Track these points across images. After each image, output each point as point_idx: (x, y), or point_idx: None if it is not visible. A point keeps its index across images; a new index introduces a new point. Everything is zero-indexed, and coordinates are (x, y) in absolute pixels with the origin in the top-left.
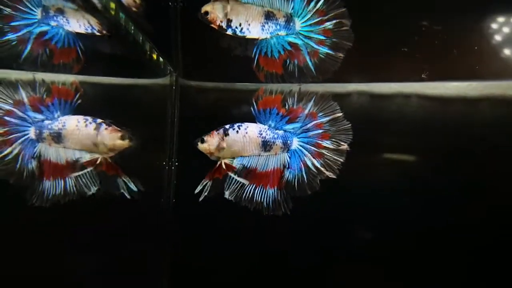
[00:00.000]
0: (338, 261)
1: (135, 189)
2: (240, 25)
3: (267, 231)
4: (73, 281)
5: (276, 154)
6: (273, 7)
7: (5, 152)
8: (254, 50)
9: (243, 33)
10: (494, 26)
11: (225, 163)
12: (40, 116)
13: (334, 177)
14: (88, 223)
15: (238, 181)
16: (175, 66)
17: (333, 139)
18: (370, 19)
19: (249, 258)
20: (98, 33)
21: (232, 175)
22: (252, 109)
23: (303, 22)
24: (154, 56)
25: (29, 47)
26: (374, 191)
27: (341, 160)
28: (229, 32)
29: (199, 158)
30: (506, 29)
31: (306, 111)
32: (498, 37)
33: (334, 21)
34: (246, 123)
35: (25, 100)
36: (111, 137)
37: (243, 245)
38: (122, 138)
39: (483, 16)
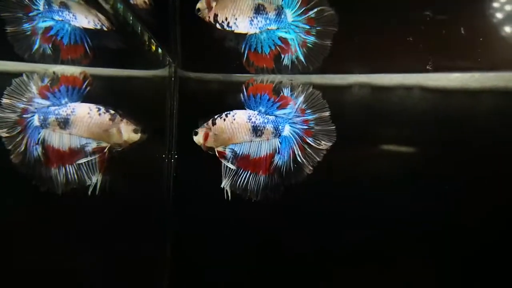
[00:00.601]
0: (339, 256)
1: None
2: (226, 19)
3: (268, 224)
4: (68, 274)
5: (268, 139)
6: (263, 0)
7: (12, 134)
8: (243, 46)
9: (231, 27)
10: (498, 16)
11: (217, 151)
12: (45, 102)
13: (309, 172)
14: (86, 213)
15: (232, 169)
16: (174, 57)
17: (315, 138)
18: (372, 9)
19: (250, 251)
20: (104, 28)
21: (223, 161)
22: (241, 95)
23: (294, 13)
24: (153, 47)
25: (38, 41)
26: (375, 183)
27: (318, 159)
28: (218, 26)
29: (198, 150)
30: (510, 20)
31: (296, 106)
32: (502, 28)
33: (316, 9)
34: (234, 110)
35: (33, 88)
36: (126, 129)
37: (244, 237)
38: (135, 131)
39: (487, 6)
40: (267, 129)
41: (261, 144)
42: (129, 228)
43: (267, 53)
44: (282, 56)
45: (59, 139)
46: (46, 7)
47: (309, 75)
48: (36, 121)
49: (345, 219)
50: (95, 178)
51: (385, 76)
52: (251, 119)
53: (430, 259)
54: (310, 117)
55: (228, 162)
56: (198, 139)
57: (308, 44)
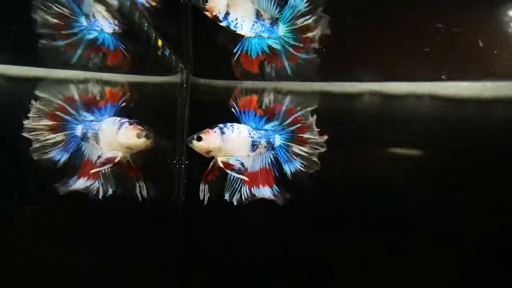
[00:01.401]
0: (347, 258)
1: (146, 194)
2: (236, 19)
3: (277, 228)
4: (79, 280)
5: (260, 153)
6: (260, 7)
7: (48, 137)
8: (238, 46)
9: (236, 28)
10: (510, 26)
11: (222, 162)
12: (90, 117)
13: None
14: (98, 221)
15: (237, 181)
16: (186, 63)
17: (312, 130)
18: (383, 18)
19: (258, 257)
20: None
21: (232, 173)
22: (234, 111)
23: (286, 28)
24: (167, 53)
25: (79, 52)
26: (385, 190)
27: (321, 150)
28: (223, 24)
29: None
30: None
31: (284, 108)
32: None
33: (316, 32)
34: (236, 124)
35: (77, 98)
36: (127, 135)
37: (253, 242)
38: (138, 136)
39: (498, 16)
40: (261, 144)
41: (254, 158)
42: (139, 233)
43: (254, 57)
44: (267, 64)
45: (94, 154)
46: (88, 20)
47: (320, 82)
48: (79, 132)
49: (356, 225)
50: (111, 191)
51: (396, 84)
52: (250, 134)
53: (440, 265)
54: (300, 113)
55: (236, 172)
56: (204, 145)
57: (299, 60)
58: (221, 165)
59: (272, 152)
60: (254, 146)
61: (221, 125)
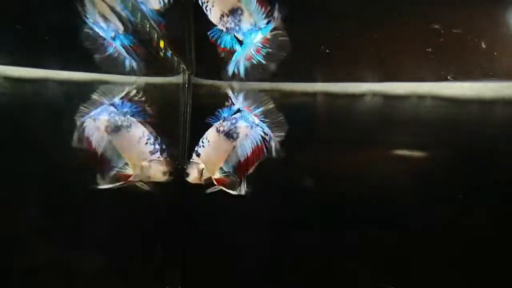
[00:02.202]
0: (348, 257)
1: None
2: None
3: (282, 228)
4: (81, 272)
5: (247, 134)
6: (247, 8)
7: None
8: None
9: (206, 11)
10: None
11: (216, 180)
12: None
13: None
14: (100, 217)
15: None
16: (188, 64)
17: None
18: (385, 18)
19: (262, 251)
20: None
21: (227, 189)
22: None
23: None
24: (169, 54)
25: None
26: (387, 191)
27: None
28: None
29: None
30: None
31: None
32: None
33: (274, 33)
34: (205, 133)
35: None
36: (156, 169)
37: (256, 240)
38: (164, 174)
39: (501, 16)
40: (240, 127)
41: (243, 143)
42: (140, 232)
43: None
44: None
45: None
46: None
47: (322, 83)
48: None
49: (357, 224)
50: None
51: (398, 85)
52: (219, 129)
53: (442, 265)
54: (257, 111)
55: (233, 188)
56: (193, 178)
57: (253, 60)
58: (217, 184)
59: (259, 127)
60: (232, 134)
61: (196, 148)
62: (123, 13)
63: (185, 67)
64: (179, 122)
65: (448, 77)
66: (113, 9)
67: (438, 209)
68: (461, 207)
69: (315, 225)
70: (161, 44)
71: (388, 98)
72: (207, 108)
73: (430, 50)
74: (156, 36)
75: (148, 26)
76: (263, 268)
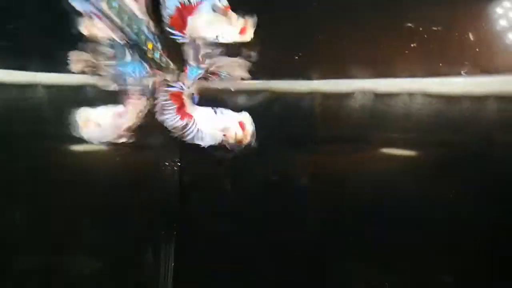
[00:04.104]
0: (342, 255)
1: None
2: None
3: (273, 225)
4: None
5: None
6: None
7: None
8: None
9: None
10: (503, 21)
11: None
12: None
13: None
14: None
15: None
16: (178, 64)
17: None
18: (373, 13)
19: (254, 248)
20: None
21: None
22: None
23: None
24: (158, 54)
25: None
26: (379, 189)
27: None
28: None
29: (203, 156)
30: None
31: None
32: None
33: None
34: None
35: None
36: None
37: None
38: None
39: (491, 11)
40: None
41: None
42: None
43: None
44: None
45: None
46: None
47: (312, 80)
48: None
49: (346, 221)
50: None
51: (388, 81)
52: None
53: (436, 261)
54: None
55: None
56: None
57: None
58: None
59: None
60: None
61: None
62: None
63: (174, 67)
64: None
65: (462, 73)
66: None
67: (431, 205)
68: (452, 202)
69: (308, 222)
70: (149, 45)
71: (378, 95)
72: None
73: (415, 45)
74: (143, 37)
75: (135, 28)
76: (259, 270)
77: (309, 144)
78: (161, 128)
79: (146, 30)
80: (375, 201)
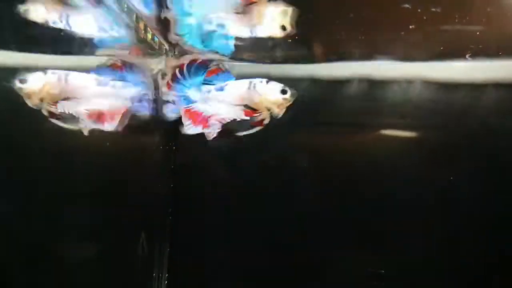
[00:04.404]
0: (338, 242)
1: None
2: None
3: (267, 213)
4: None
5: None
6: None
7: None
8: None
9: None
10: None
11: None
12: None
13: None
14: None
15: None
16: (172, 45)
17: None
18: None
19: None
20: None
21: None
22: None
23: None
24: (149, 35)
25: None
26: (377, 174)
27: None
28: None
29: (194, 144)
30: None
31: None
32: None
33: None
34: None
35: None
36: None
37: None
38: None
39: None
40: None
41: None
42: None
43: None
44: None
45: None
46: None
47: (308, 65)
48: None
49: (345, 205)
50: None
51: (386, 65)
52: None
53: (433, 247)
54: None
55: None
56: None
57: None
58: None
59: None
60: None
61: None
62: None
63: (167, 49)
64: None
65: (467, 56)
66: None
67: (429, 190)
68: (450, 188)
69: (305, 206)
70: (141, 25)
71: (375, 79)
72: None
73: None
74: (135, 16)
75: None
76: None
77: (305, 129)
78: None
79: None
80: (374, 185)
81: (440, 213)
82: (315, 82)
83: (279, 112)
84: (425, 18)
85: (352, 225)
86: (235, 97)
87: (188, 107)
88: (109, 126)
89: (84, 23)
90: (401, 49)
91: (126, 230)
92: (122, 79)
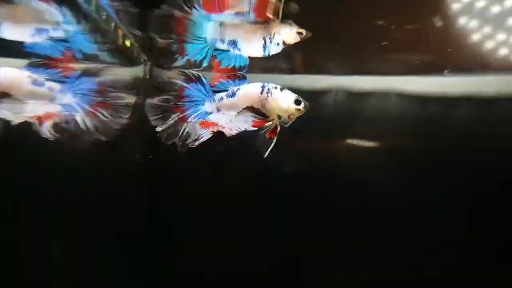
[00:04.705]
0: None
1: None
2: None
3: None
4: None
5: None
6: None
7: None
8: None
9: None
10: (476, 21)
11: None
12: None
13: None
14: None
15: None
16: (151, 54)
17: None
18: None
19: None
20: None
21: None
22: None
23: None
24: (128, 43)
25: None
26: (351, 186)
27: None
28: None
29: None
30: (486, 24)
31: None
32: (475, 32)
33: None
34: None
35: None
36: None
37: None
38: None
39: (462, 11)
40: None
41: None
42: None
43: None
44: None
45: None
46: None
47: (287, 75)
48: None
49: (325, 217)
50: None
51: (363, 78)
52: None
53: (405, 255)
54: None
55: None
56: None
57: None
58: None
59: None
60: None
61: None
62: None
63: (146, 58)
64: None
65: (445, 72)
66: None
67: (399, 207)
68: (421, 199)
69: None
70: (119, 32)
71: (352, 92)
72: None
73: (388, 43)
74: (113, 25)
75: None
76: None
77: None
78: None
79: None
80: (348, 193)
81: (413, 221)
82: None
83: (289, 121)
84: (399, 35)
85: (323, 232)
86: (246, 101)
87: (205, 120)
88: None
89: None
90: (376, 63)
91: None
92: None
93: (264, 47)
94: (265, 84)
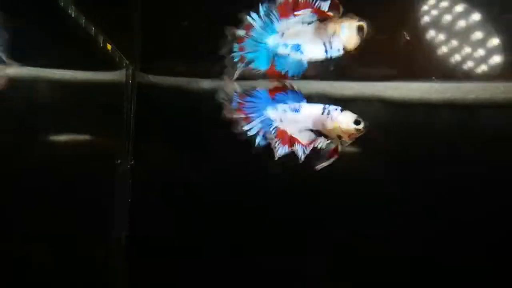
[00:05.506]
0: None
1: None
2: None
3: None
4: None
5: None
6: None
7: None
8: None
9: None
10: (456, 27)
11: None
12: None
13: None
14: None
15: None
16: (132, 58)
17: None
18: None
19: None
20: None
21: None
22: None
23: None
24: (108, 47)
25: None
26: (328, 195)
27: None
28: None
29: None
30: (468, 31)
31: None
32: (458, 39)
33: None
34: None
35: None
36: None
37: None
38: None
39: (444, 17)
40: None
41: None
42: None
43: None
44: None
45: None
46: None
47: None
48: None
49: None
50: None
51: (344, 84)
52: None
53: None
54: None
55: None
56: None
57: None
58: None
59: None
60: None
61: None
62: None
63: (127, 62)
64: (121, 122)
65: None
66: None
67: (380, 216)
68: (407, 217)
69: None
70: (99, 38)
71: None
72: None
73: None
74: (93, 29)
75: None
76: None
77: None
78: None
79: None
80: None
81: (397, 227)
82: None
83: (349, 141)
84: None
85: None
86: (309, 120)
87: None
88: None
89: None
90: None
91: None
92: None
93: (326, 51)
94: (326, 106)
